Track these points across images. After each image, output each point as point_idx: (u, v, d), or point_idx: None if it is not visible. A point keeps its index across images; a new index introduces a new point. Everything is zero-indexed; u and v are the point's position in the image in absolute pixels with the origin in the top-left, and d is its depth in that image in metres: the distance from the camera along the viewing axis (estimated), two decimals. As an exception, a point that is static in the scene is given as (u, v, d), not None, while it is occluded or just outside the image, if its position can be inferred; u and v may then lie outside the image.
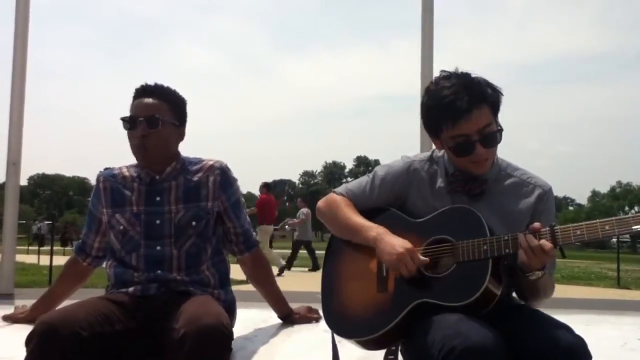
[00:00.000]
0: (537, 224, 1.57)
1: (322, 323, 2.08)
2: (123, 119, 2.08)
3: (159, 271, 2.03)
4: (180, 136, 2.17)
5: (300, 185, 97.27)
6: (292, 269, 12.86)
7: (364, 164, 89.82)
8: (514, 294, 1.77)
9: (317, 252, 12.69)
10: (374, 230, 1.75)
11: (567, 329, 1.53)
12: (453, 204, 1.74)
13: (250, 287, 2.49)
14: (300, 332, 2.36)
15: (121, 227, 2.09)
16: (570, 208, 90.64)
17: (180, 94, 2.16)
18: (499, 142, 1.72)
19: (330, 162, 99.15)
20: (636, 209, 73.18)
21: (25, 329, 1.74)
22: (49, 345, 1.61)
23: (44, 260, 12.36)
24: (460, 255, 1.61)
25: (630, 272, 15.21)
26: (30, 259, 14.59)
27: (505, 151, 1.81)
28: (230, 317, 1.88)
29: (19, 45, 4.07)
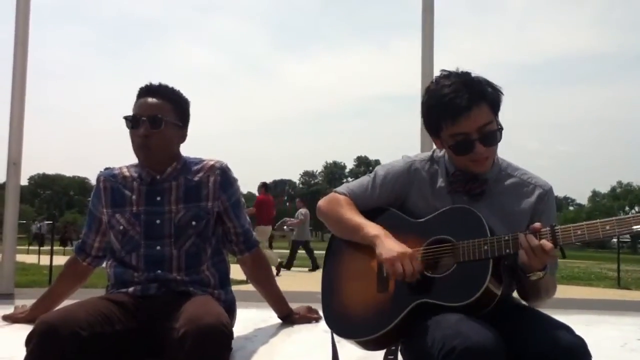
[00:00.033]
0: (537, 224, 1.57)
1: (322, 323, 2.08)
2: (126, 118, 2.08)
3: (159, 271, 2.03)
4: (183, 137, 2.17)
5: (300, 186, 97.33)
6: (292, 269, 12.88)
7: (364, 164, 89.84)
8: (514, 294, 1.78)
9: (317, 252, 12.71)
10: (375, 230, 1.74)
11: (567, 329, 1.52)
12: (453, 204, 1.74)
13: (250, 287, 2.49)
14: (300, 332, 2.36)
15: (121, 227, 2.09)
16: (571, 208, 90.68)
17: (184, 94, 2.16)
18: (499, 141, 1.72)
19: (331, 162, 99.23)
20: (636, 209, 73.20)
21: (25, 329, 1.74)
22: (49, 345, 1.60)
23: (44, 260, 12.36)
24: (461, 256, 1.61)
25: (630, 273, 15.21)
26: (31, 258, 14.59)
27: (505, 151, 1.81)
28: (230, 317, 1.88)
29: (20, 45, 4.08)
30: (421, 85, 3.96)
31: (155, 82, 2.12)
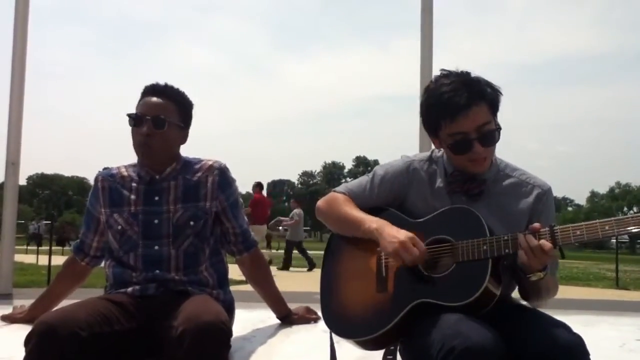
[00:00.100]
0: (536, 224, 1.57)
1: (321, 324, 2.08)
2: (129, 115, 2.08)
3: (157, 271, 2.03)
4: (184, 138, 2.17)
5: (299, 186, 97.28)
6: (291, 269, 12.88)
7: (363, 165, 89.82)
8: (514, 294, 1.78)
9: (317, 252, 12.72)
10: (375, 222, 1.74)
11: (565, 327, 1.53)
12: (453, 204, 1.74)
13: (248, 288, 2.48)
14: (299, 333, 2.36)
15: (119, 227, 2.08)
16: (569, 208, 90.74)
17: (188, 96, 2.17)
18: (497, 141, 1.72)
19: (330, 162, 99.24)
20: (635, 209, 73.23)
21: (24, 329, 1.73)
22: (48, 345, 1.60)
23: (43, 260, 12.35)
24: (460, 256, 1.61)
25: (628, 273, 15.23)
26: (29, 258, 14.58)
27: (505, 151, 1.82)
28: (228, 318, 1.88)
29: (18, 45, 4.07)
30: (420, 85, 3.95)
31: (162, 81, 2.12)
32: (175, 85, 2.14)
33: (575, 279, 12.49)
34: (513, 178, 1.80)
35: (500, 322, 1.54)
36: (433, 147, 1.86)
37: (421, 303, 1.61)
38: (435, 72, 1.79)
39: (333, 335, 1.81)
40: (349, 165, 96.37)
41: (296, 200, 16.00)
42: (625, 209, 74.58)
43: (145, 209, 2.08)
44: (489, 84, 1.71)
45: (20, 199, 4.44)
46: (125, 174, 2.16)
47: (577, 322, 1.66)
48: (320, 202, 1.94)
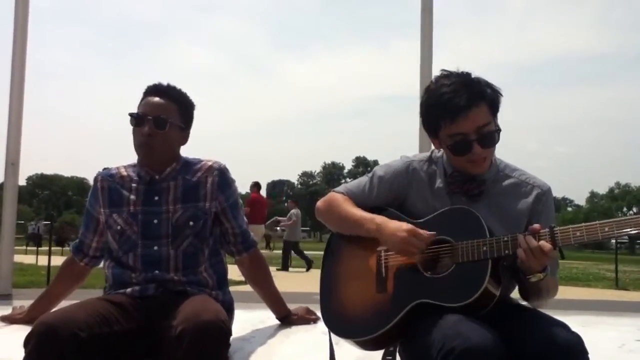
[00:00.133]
0: (536, 226, 1.57)
1: (320, 324, 2.07)
2: (131, 115, 2.08)
3: (156, 271, 2.03)
4: (184, 139, 2.17)
5: (299, 186, 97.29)
6: (290, 269, 12.88)
7: (362, 165, 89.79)
8: (513, 294, 1.78)
9: (316, 252, 12.72)
10: (375, 220, 1.75)
11: (564, 326, 1.53)
12: (452, 205, 1.74)
13: (248, 288, 2.48)
14: (298, 333, 2.35)
15: (118, 227, 2.08)
16: (569, 209, 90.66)
17: (190, 97, 2.17)
18: (497, 142, 1.72)
19: (329, 162, 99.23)
20: (635, 210, 73.29)
21: (23, 330, 1.73)
22: (47, 346, 1.60)
23: (42, 260, 12.34)
24: (460, 256, 1.61)
25: (628, 273, 15.22)
26: (29, 259, 14.56)
27: (504, 152, 1.81)
28: (228, 318, 1.88)
29: (18, 45, 4.08)
30: (420, 85, 3.96)
31: (164, 82, 2.12)
32: (177, 86, 2.14)
33: (574, 280, 12.48)
34: (513, 178, 1.80)
35: (499, 322, 1.54)
36: (433, 147, 1.86)
37: (421, 303, 1.61)
38: (435, 72, 1.79)
39: (332, 335, 1.81)
40: (348, 165, 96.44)
41: (293, 200, 16.07)
42: (625, 209, 74.59)
43: (144, 209, 2.08)
44: (489, 85, 1.71)
45: (20, 199, 4.45)
46: (125, 174, 2.16)
47: (576, 323, 1.66)
48: (319, 203, 1.94)
